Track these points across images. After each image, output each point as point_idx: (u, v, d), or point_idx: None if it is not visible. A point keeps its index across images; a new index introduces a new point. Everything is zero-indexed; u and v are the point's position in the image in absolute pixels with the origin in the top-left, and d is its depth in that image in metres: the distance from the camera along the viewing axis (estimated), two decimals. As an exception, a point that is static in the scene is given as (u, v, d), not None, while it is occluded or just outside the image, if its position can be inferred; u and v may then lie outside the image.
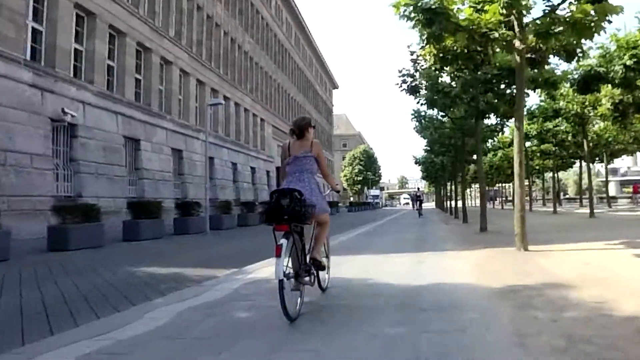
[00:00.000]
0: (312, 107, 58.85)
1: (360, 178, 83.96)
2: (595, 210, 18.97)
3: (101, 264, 8.76)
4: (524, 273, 5.78)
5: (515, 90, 12.89)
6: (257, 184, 35.56)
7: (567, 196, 74.33)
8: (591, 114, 17.24)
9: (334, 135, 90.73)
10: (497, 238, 10.88)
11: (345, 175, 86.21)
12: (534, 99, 18.96)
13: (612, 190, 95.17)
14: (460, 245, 9.69)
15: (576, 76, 13.76)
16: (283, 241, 3.68)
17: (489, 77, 12.03)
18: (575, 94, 16.63)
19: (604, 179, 37.52)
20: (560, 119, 18.80)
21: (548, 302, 4.13)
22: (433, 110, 16.82)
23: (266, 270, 6.88)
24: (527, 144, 27.98)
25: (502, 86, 12.42)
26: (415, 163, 37.04)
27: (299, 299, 3.97)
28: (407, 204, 79.71)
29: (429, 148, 23.39)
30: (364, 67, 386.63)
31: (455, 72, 10.86)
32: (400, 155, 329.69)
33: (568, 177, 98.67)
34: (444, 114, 16.60)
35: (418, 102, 12.66)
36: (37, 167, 14.43)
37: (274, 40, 42.11)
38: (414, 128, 21.52)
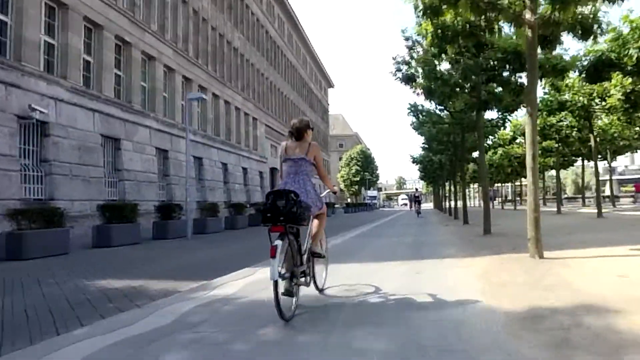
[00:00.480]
0: (307, 106, 57.72)
1: (358, 179, 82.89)
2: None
3: (52, 276, 7.58)
4: (545, 288, 4.65)
5: (520, 78, 11.89)
6: (249, 185, 34.39)
7: (565, 195, 73.25)
8: (598, 106, 16.11)
9: (330, 135, 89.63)
10: (503, 242, 9.75)
11: (342, 176, 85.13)
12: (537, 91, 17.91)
13: (608, 189, 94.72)
14: (463, 251, 8.55)
15: (585, 63, 12.64)
16: (278, 242, 3.66)
17: (492, 62, 10.93)
18: (583, 85, 15.53)
19: (603, 178, 36.46)
20: (565, 112, 17.67)
21: (594, 338, 2.99)
22: (430, 102, 15.71)
23: (235, 284, 5.80)
24: (529, 140, 27.04)
25: (506, 74, 11.29)
26: (413, 162, 35.93)
27: (294, 300, 3.94)
28: (405, 204, 78.27)
29: (426, 145, 22.23)
30: (360, 67, 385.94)
31: (455, 56, 9.71)
32: (398, 156, 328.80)
33: (567, 176, 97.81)
34: (442, 107, 15.47)
35: (414, 92, 11.49)
36: (1, 168, 13.25)
37: (265, 37, 40.95)
38: (411, 124, 20.46)
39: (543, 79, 12.43)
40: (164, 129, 22.97)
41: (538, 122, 21.38)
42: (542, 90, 17.78)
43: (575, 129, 19.27)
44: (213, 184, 27.83)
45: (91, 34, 18.50)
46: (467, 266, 6.56)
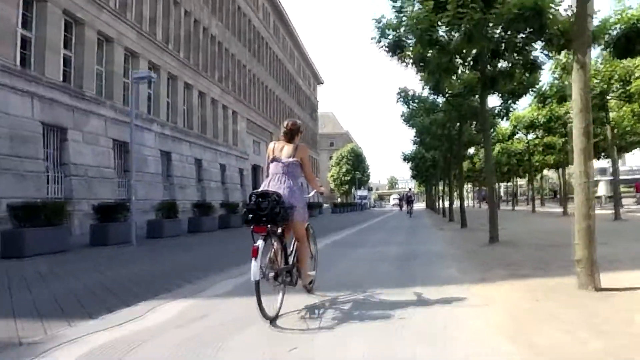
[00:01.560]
0: (294, 102, 55.16)
1: (348, 178, 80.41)
2: (607, 212, 15.57)
3: None
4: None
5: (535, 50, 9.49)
6: (227, 184, 31.80)
7: (558, 196, 71.12)
8: (620, 90, 13.75)
9: (320, 134, 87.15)
10: (518, 255, 7.34)
11: (332, 175, 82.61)
12: (544, 78, 15.26)
13: (603, 189, 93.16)
14: (468, 271, 6.12)
15: (614, 33, 10.28)
16: (260, 242, 3.68)
17: (501, 32, 8.53)
18: (603, 66, 13.20)
19: (601, 178, 34.42)
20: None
21: None
22: (423, 88, 13.30)
23: (131, 326, 3.32)
24: (530, 136, 24.68)
25: (519, 42, 8.87)
26: (404, 160, 33.49)
27: (279, 299, 3.97)
28: (396, 205, 75.65)
29: (418, 139, 19.78)
30: (352, 65, 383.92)
31: (457, 11, 7.26)
32: (391, 155, 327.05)
33: (558, 176, 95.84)
34: (436, 91, 13.04)
35: (403, 63, 9.00)
36: None
37: (248, 27, 38.36)
38: (401, 116, 18.06)
39: (563, 52, 10.09)
40: (123, 119, 20.35)
41: (543, 113, 19.11)
42: (550, 74, 15.52)
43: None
44: (184, 182, 25.26)
45: (31, 7, 15.92)
46: (482, 305, 4.12)
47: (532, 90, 12.88)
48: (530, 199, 31.31)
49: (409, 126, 17.88)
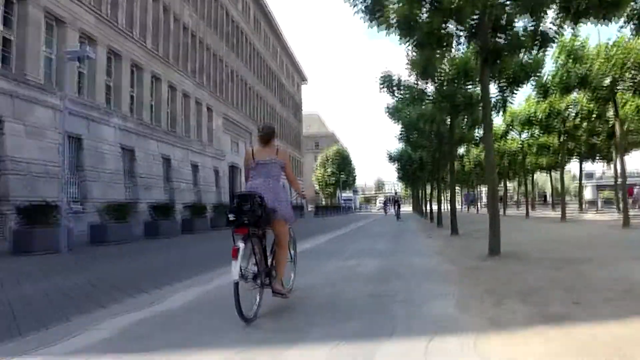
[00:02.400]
0: (276, 101, 53.10)
1: (334, 180, 78.53)
2: (606, 217, 13.86)
3: None
4: None
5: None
6: (200, 184, 29.67)
7: (548, 200, 69.91)
8: (631, 80, 11.99)
9: (305, 135, 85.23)
10: (534, 276, 5.46)
11: (317, 178, 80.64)
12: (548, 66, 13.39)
13: (589, 194, 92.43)
14: (471, 307, 4.18)
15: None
16: (240, 244, 3.68)
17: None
18: (616, 49, 11.46)
19: (581, 182, 32.83)
20: (583, 92, 13.52)
21: None
22: (411, 74, 11.46)
23: None
24: (524, 135, 23.00)
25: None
26: (390, 160, 31.60)
27: (257, 301, 3.94)
28: (382, 209, 73.62)
29: (404, 135, 17.86)
30: (339, 66, 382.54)
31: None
32: (378, 158, 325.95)
33: (545, 179, 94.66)
34: (424, 76, 11.19)
35: (384, 30, 7.08)
36: None
37: (226, 19, 36.29)
38: (386, 110, 16.21)
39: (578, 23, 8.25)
40: (77, 111, 18.20)
41: (542, 107, 17.32)
42: (552, 62, 13.78)
43: (595, 113, 15.17)
44: (149, 181, 23.12)
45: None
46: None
47: (535, 77, 11.07)
48: (523, 203, 29.65)
49: (394, 121, 15.99)
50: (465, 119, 15.13)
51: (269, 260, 4.24)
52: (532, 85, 13.98)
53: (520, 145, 23.47)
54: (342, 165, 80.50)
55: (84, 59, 12.54)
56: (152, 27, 24.63)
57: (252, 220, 3.87)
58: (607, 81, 12.13)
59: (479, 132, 17.89)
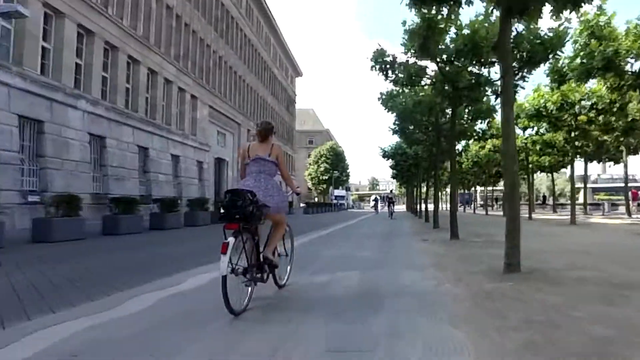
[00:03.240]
0: (267, 93, 51.20)
1: (326, 177, 76.78)
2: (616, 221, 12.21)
3: None
4: None
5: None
6: (182, 177, 27.82)
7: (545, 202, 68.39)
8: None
9: (299, 130, 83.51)
10: (585, 313, 3.71)
11: (310, 174, 78.85)
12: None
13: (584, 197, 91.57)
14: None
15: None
16: (230, 239, 3.76)
17: None
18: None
19: (586, 184, 31.35)
20: (604, 80, 11.80)
21: None
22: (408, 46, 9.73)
23: None
24: (528, 132, 21.32)
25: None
26: (384, 156, 29.94)
27: (246, 295, 4.04)
28: (374, 207, 71.48)
29: (398, 126, 16.09)
30: (337, 63, 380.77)
31: None
32: (373, 156, 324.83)
33: (542, 181, 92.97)
34: (423, 53, 9.45)
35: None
36: None
37: (215, 2, 34.37)
38: (379, 98, 14.40)
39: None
40: (37, 92, 16.36)
41: (554, 98, 15.59)
42: (571, 46, 12.06)
43: (613, 107, 13.46)
44: (122, 173, 21.29)
45: None
46: None
47: (554, 56, 9.35)
48: (527, 205, 27.88)
49: (388, 109, 14.21)
50: (468, 109, 13.42)
51: (261, 255, 4.32)
52: (548, 68, 12.25)
53: (524, 143, 21.65)
54: (336, 162, 78.83)
55: (12, 16, 10.58)
56: (130, 4, 22.74)
57: (242, 216, 3.93)
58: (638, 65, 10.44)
59: (481, 126, 16.21)
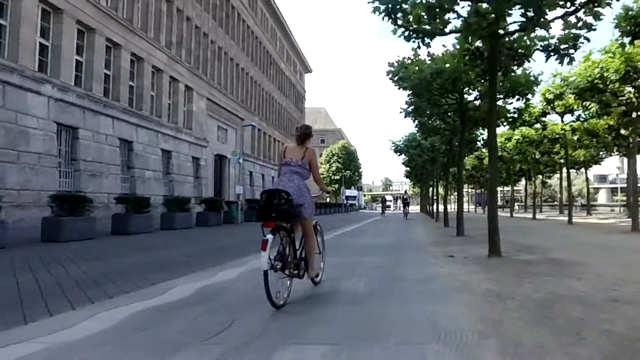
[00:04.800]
0: (273, 88, 48.56)
1: (338, 177, 74.00)
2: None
3: None
4: None
5: None
6: (173, 174, 25.26)
7: (553, 203, 64.62)
8: None
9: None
10: None
11: (321, 174, 76.16)
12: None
13: (603, 198, 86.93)
14: None
15: None
16: (269, 236, 3.96)
17: None
18: None
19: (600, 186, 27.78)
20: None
21: None
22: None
23: None
24: (567, 117, 18.25)
25: None
26: (396, 151, 27.13)
27: (286, 289, 4.28)
28: (388, 207, 68.39)
29: (411, 105, 13.14)
30: (352, 62, 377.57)
31: None
32: (386, 157, 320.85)
33: (554, 182, 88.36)
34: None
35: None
36: None
37: (213, -12, 31.88)
38: (388, 72, 11.44)
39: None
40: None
41: (617, 63, 12.29)
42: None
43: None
44: (99, 168, 18.78)
45: None
46: None
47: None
48: (531, 205, 24.64)
49: (399, 85, 11.34)
50: (501, 82, 10.56)
51: (298, 253, 4.55)
52: (616, 16, 9.16)
53: (562, 131, 18.20)
54: (348, 162, 76.09)
55: None
56: (111, -17, 20.29)
57: (278, 214, 4.16)
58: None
59: (516, 104, 13.34)
